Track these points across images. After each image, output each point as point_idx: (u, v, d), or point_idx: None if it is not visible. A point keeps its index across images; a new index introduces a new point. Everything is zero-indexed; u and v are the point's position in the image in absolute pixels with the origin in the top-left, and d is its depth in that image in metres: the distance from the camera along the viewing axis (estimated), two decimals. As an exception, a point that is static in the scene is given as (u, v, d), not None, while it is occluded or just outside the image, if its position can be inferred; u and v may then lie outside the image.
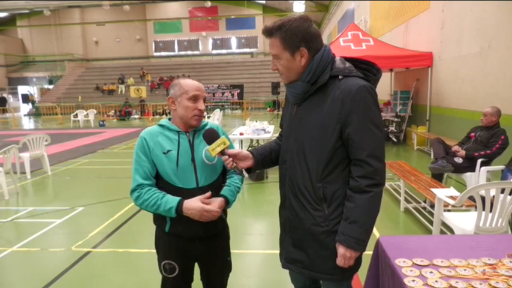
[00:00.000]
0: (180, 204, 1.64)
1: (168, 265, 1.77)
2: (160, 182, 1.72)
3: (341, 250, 1.49)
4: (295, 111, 1.61)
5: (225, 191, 1.80)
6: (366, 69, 1.56)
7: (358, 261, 1.59)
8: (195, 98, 1.68)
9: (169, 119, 1.80)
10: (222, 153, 1.64)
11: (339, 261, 1.51)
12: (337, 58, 1.55)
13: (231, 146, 1.70)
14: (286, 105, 1.75)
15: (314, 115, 1.52)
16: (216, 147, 1.62)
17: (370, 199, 1.45)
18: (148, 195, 1.66)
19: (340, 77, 1.48)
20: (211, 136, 1.68)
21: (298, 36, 1.45)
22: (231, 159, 1.63)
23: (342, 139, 1.48)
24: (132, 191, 1.70)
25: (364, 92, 1.44)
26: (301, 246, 1.63)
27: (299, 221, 1.60)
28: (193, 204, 1.64)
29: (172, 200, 1.65)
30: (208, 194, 1.70)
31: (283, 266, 1.73)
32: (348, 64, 1.54)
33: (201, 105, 1.70)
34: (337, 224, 1.52)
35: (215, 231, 1.82)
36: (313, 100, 1.53)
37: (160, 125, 1.76)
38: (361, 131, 1.44)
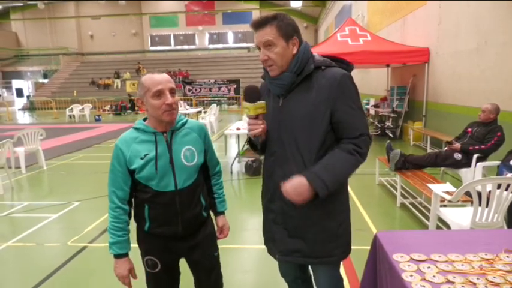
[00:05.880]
0: (119, 256, 1.72)
1: (150, 261, 1.78)
2: (140, 187, 1.68)
3: (302, 180, 1.48)
4: (281, 103, 1.63)
5: (219, 207, 1.94)
6: (338, 65, 1.66)
7: (348, 246, 1.70)
8: (159, 94, 1.56)
9: (145, 119, 1.72)
10: (257, 117, 1.59)
11: (287, 186, 1.50)
12: (315, 53, 1.64)
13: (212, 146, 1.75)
14: (266, 100, 1.69)
15: (302, 104, 1.57)
16: (258, 108, 1.57)
17: (350, 159, 1.54)
18: (119, 218, 1.68)
19: (323, 67, 1.58)
20: (254, 94, 1.58)
21: (291, 25, 1.55)
22: (264, 125, 1.60)
23: (332, 123, 1.56)
24: (109, 200, 1.70)
25: (348, 78, 1.57)
26: (298, 235, 1.65)
27: (294, 208, 1.60)
28: (122, 268, 1.74)
29: (122, 247, 1.72)
30: None
31: (280, 260, 1.75)
32: (325, 58, 1.65)
33: (167, 99, 1.57)
34: (333, 206, 1.62)
35: (194, 229, 1.78)
36: (299, 90, 1.59)
37: (136, 128, 1.68)
38: (350, 112, 1.55)
